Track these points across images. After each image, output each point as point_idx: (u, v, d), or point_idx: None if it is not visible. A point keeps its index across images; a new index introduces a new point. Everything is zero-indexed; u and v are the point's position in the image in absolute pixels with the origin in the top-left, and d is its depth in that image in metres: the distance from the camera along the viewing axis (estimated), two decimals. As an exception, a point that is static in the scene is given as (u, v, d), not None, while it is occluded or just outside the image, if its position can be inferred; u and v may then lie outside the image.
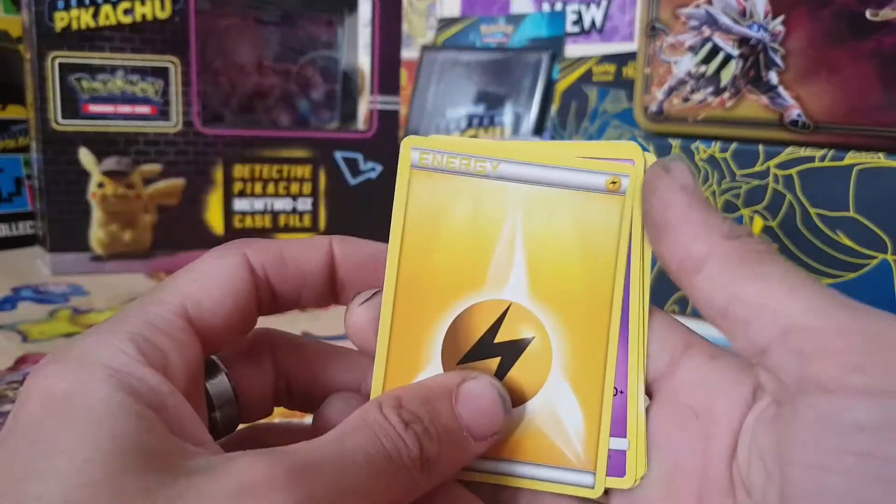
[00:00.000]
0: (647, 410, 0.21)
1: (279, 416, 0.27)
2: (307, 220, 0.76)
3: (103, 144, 0.66)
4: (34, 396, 0.16)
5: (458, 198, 0.21)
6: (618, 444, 0.21)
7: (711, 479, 0.19)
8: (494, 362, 0.21)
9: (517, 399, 0.21)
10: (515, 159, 0.21)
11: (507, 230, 0.21)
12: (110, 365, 0.16)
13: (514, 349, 0.21)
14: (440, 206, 0.21)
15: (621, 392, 0.21)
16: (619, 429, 0.21)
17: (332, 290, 0.23)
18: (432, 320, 0.21)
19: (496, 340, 0.21)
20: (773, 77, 0.47)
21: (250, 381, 0.22)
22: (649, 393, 0.21)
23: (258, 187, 0.73)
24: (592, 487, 0.21)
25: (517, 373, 0.21)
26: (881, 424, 0.15)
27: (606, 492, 0.22)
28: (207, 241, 0.71)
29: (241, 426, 0.22)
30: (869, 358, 0.15)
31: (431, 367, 0.21)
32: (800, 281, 0.17)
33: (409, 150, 0.21)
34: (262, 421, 0.23)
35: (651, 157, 0.21)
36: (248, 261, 0.20)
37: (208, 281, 0.20)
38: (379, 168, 0.78)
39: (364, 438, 0.17)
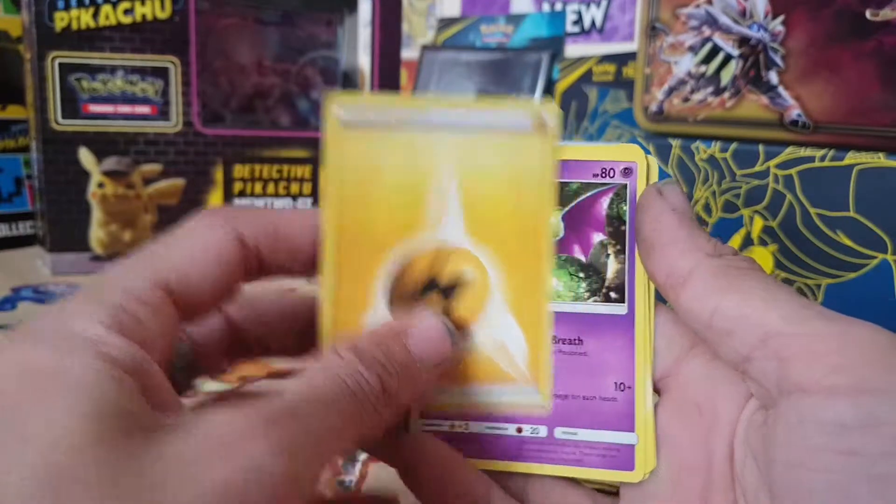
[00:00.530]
0: (655, 406, 0.21)
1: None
2: (307, 220, 0.76)
3: (103, 144, 0.66)
4: (7, 367, 0.16)
5: (388, 150, 0.21)
6: (626, 438, 0.21)
7: (715, 475, 0.20)
8: (438, 299, 0.22)
9: (463, 330, 0.22)
10: (441, 107, 0.21)
11: (440, 176, 0.21)
12: (86, 335, 0.16)
13: (455, 285, 0.22)
14: (371, 159, 0.21)
15: (628, 387, 0.21)
16: (627, 423, 0.21)
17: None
18: (374, 267, 0.21)
19: (436, 279, 0.22)
20: (773, 77, 0.47)
21: (203, 332, 0.23)
22: (657, 390, 0.22)
23: (258, 187, 0.73)
24: (539, 402, 0.21)
25: (461, 307, 0.22)
26: (863, 422, 0.15)
27: (617, 492, 0.22)
28: (207, 241, 0.71)
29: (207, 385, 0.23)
30: (846, 359, 0.16)
31: (377, 310, 0.21)
32: (777, 293, 0.18)
33: (334, 107, 0.21)
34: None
35: (653, 160, 0.21)
36: (239, 234, 0.20)
37: (196, 254, 0.19)
38: (379, 168, 0.78)
39: (329, 381, 0.18)
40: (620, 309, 0.21)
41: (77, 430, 0.14)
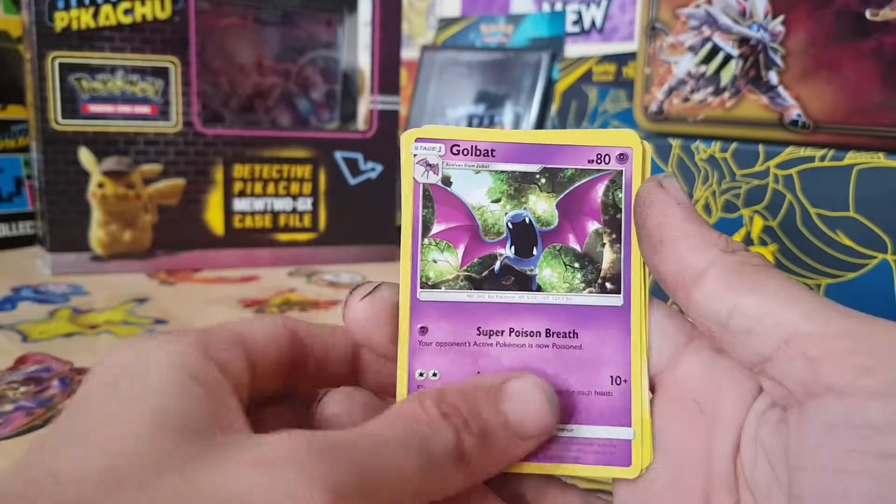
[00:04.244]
0: (651, 402, 0.21)
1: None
2: (307, 220, 0.76)
3: (103, 144, 0.66)
4: (101, 370, 0.17)
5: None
6: (623, 433, 0.21)
7: (716, 474, 0.19)
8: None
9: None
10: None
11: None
12: (173, 350, 0.18)
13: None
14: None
15: (624, 381, 0.21)
16: (623, 418, 0.21)
17: (352, 375, 0.24)
18: None
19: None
20: (773, 77, 0.47)
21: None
22: (651, 385, 0.21)
23: (258, 187, 0.73)
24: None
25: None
26: (895, 424, 0.15)
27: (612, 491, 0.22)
28: (207, 240, 0.71)
29: None
30: (876, 360, 0.16)
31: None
32: (797, 291, 0.18)
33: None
34: None
35: (648, 146, 0.21)
36: (293, 330, 0.22)
37: (258, 328, 0.21)
38: (379, 168, 0.78)
39: (398, 426, 0.17)
40: (616, 300, 0.21)
41: (138, 433, 0.15)
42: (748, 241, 0.48)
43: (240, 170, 0.72)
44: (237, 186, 0.72)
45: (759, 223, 0.48)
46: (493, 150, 0.21)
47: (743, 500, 0.19)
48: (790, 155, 0.46)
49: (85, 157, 0.66)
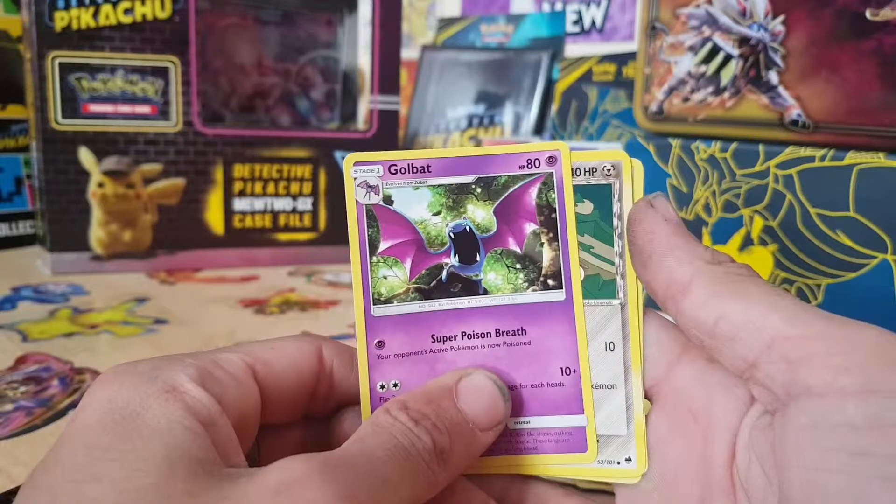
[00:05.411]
0: (648, 416, 0.22)
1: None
2: (307, 220, 0.76)
3: (103, 144, 0.66)
4: (96, 403, 0.17)
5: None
6: (577, 421, 0.22)
7: (712, 481, 0.20)
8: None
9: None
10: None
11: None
12: (169, 382, 0.18)
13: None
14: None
15: (574, 371, 0.22)
16: (576, 406, 0.22)
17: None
18: None
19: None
20: (774, 77, 0.47)
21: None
22: (649, 397, 0.22)
23: (258, 187, 0.73)
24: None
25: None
26: (873, 423, 0.15)
27: (610, 492, 0.22)
28: (207, 240, 0.71)
29: None
30: (853, 360, 0.16)
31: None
32: (779, 298, 0.18)
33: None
34: None
35: (638, 163, 0.22)
36: (321, 351, 0.22)
37: (282, 352, 0.21)
38: (379, 168, 0.78)
39: (381, 438, 0.18)
40: (559, 295, 0.22)
41: (147, 470, 0.16)
42: (748, 241, 0.48)
43: (240, 169, 0.72)
44: (237, 186, 0.72)
45: (759, 223, 0.48)
46: (428, 167, 0.22)
47: (741, 501, 0.19)
48: (790, 155, 0.46)
49: (85, 156, 0.66)
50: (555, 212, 0.22)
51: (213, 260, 0.72)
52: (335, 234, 0.77)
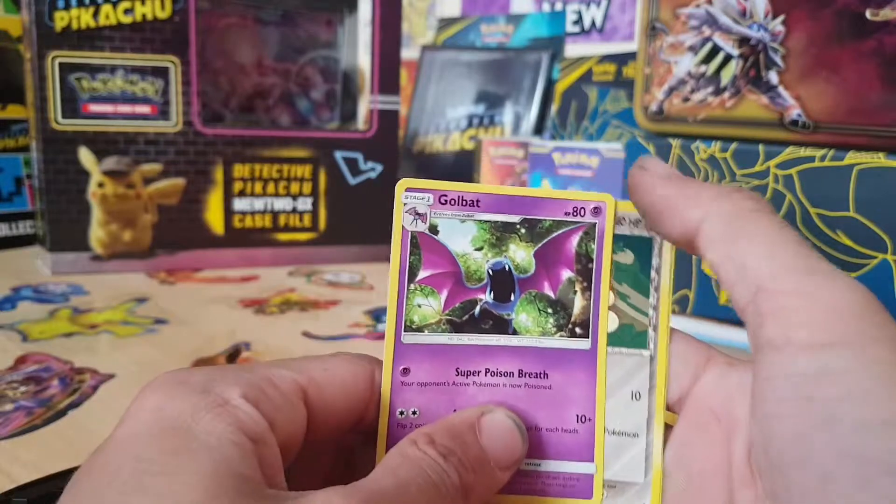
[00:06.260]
0: (673, 429, 0.22)
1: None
2: (307, 220, 0.76)
3: (103, 144, 0.66)
4: (145, 411, 0.17)
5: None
6: (586, 468, 0.22)
7: (736, 473, 0.20)
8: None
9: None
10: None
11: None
12: (222, 395, 0.18)
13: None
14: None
15: (589, 419, 0.22)
16: (587, 454, 0.22)
17: None
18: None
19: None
20: (774, 77, 0.47)
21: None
22: (674, 411, 0.22)
23: (258, 187, 0.73)
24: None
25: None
26: (818, 372, 0.16)
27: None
28: (207, 240, 0.71)
29: None
30: (812, 316, 0.17)
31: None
32: (779, 244, 0.18)
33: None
34: None
35: (624, 203, 0.22)
36: (373, 376, 0.22)
37: (335, 376, 0.21)
38: (379, 168, 0.78)
39: (412, 471, 0.18)
40: (584, 344, 0.22)
41: (194, 485, 0.16)
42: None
43: (240, 169, 0.72)
44: (237, 186, 0.72)
45: (759, 223, 0.48)
46: (478, 201, 0.22)
47: (759, 490, 0.19)
48: (790, 155, 0.46)
49: (85, 156, 0.66)
50: (592, 262, 0.22)
51: (213, 260, 0.72)
52: (335, 234, 0.77)
